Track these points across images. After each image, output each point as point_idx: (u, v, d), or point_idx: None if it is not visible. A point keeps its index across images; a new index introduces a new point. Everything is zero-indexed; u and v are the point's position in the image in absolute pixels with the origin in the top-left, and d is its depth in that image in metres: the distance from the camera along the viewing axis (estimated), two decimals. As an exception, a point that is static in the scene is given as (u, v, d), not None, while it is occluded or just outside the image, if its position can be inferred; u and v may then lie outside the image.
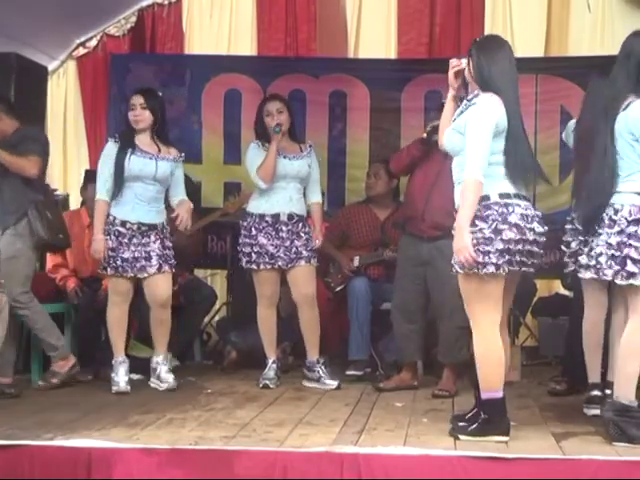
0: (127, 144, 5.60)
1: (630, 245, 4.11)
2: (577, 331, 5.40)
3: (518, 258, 4.18)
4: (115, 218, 5.56)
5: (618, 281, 4.16)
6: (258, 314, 5.86)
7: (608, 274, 4.18)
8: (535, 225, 4.22)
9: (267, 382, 5.72)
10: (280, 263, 5.72)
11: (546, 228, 4.29)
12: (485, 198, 4.18)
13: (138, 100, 5.63)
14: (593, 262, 4.25)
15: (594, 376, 4.89)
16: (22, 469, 3.91)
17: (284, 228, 5.73)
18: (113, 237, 5.55)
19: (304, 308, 5.80)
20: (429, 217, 5.57)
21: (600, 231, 4.21)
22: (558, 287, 6.68)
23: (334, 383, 5.71)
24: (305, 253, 5.74)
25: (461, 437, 4.27)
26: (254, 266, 5.77)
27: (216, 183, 7.55)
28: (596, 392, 4.83)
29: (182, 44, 7.80)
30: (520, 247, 4.18)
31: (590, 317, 4.87)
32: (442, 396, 5.43)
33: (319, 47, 7.67)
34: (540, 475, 3.84)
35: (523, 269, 4.26)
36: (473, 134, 4.14)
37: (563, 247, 4.59)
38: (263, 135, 5.85)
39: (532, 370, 6.41)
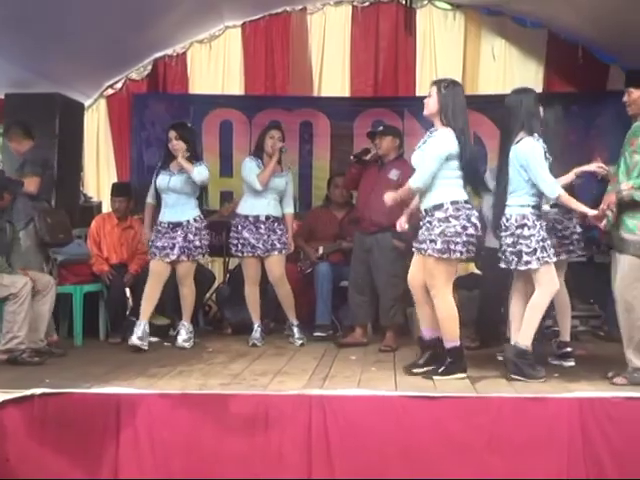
0: (162, 166, 5.67)
1: (521, 243, 4.28)
2: (486, 301, 5.47)
3: (471, 248, 4.41)
4: (159, 221, 5.65)
5: (520, 268, 4.31)
6: (245, 290, 5.84)
7: (512, 265, 4.34)
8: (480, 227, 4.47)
9: (255, 341, 5.71)
10: (259, 252, 5.71)
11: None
12: (455, 202, 4.35)
13: (173, 134, 5.61)
14: (502, 256, 4.40)
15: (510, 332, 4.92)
16: (68, 411, 3.90)
17: (262, 226, 5.72)
18: (154, 233, 5.62)
19: (278, 286, 5.80)
20: (369, 217, 5.62)
21: (501, 234, 4.38)
22: (472, 268, 6.71)
23: (300, 341, 5.73)
24: (278, 245, 5.73)
25: (435, 377, 4.34)
26: (239, 254, 5.79)
27: (214, 192, 7.45)
28: None
29: (187, 86, 7.72)
30: (473, 240, 4.40)
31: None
32: (386, 351, 5.45)
33: (291, 88, 7.62)
34: (459, 408, 3.88)
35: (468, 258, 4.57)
36: None
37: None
38: (260, 151, 5.80)
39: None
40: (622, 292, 4.19)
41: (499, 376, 4.44)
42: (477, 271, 6.26)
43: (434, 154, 4.37)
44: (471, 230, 4.35)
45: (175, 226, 5.58)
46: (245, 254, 5.75)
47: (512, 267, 4.34)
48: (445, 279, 4.39)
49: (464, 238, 4.33)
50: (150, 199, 5.76)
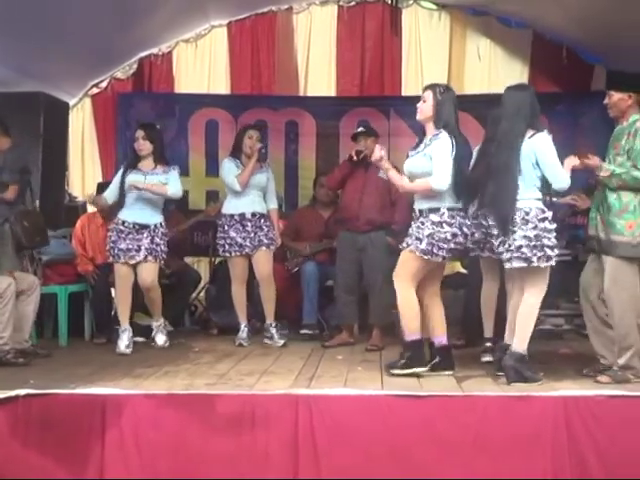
0: (130, 166, 5.59)
1: (544, 236, 4.15)
2: (472, 300, 5.47)
3: (454, 254, 4.45)
4: (119, 219, 5.53)
5: (541, 264, 4.14)
6: (232, 290, 5.82)
7: (534, 260, 4.15)
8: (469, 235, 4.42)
9: (241, 341, 5.70)
10: (247, 250, 5.69)
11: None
12: (452, 209, 4.34)
13: (140, 134, 5.58)
14: (517, 254, 4.17)
15: (488, 332, 4.94)
16: (53, 412, 3.88)
17: (249, 224, 5.69)
18: (115, 233, 5.51)
19: (263, 283, 5.73)
20: (363, 216, 5.64)
21: (515, 229, 4.18)
22: (458, 267, 6.73)
23: (281, 342, 5.66)
24: (265, 241, 5.69)
25: (393, 372, 4.35)
26: (227, 254, 5.75)
27: (199, 191, 7.48)
28: (489, 344, 4.90)
29: (172, 85, 7.69)
30: (460, 248, 4.41)
31: (487, 289, 4.92)
32: (372, 350, 5.46)
33: (277, 87, 7.61)
34: (445, 407, 3.89)
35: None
36: None
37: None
38: (239, 152, 5.79)
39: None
40: (610, 294, 4.22)
41: (485, 375, 4.45)
42: (463, 270, 6.27)
43: (448, 155, 4.34)
44: (460, 239, 4.36)
45: (141, 228, 5.49)
46: (233, 254, 5.72)
47: (534, 264, 4.13)
48: (413, 274, 4.40)
49: (451, 245, 4.35)
50: (106, 194, 5.60)
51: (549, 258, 4.17)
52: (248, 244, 5.68)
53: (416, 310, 4.43)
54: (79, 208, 6.95)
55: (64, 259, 6.02)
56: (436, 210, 4.35)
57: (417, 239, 4.37)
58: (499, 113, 4.36)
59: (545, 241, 4.15)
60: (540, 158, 4.21)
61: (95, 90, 7.56)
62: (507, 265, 4.27)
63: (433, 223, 4.34)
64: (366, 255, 5.66)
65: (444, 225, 4.32)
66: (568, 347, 5.45)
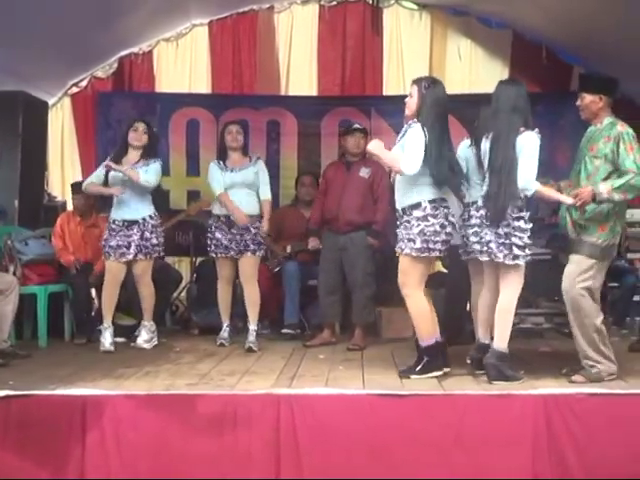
0: (114, 159, 5.55)
1: (515, 235, 4.16)
2: (452, 299, 5.50)
3: (447, 247, 4.36)
4: (111, 218, 5.56)
5: (507, 261, 4.17)
6: (218, 288, 5.78)
7: (500, 257, 4.18)
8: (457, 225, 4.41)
9: (223, 341, 5.69)
10: (232, 253, 5.63)
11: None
12: (433, 201, 4.29)
13: (141, 125, 5.58)
14: (485, 248, 4.24)
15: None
16: (33, 413, 3.86)
17: (235, 225, 5.60)
18: (107, 232, 5.54)
19: (245, 286, 5.66)
20: (342, 217, 5.67)
21: (487, 223, 4.22)
22: (439, 266, 6.76)
23: (255, 349, 5.47)
24: (252, 246, 5.59)
25: (411, 377, 4.31)
26: (213, 254, 5.73)
27: (181, 191, 7.46)
28: None
29: (153, 84, 7.66)
30: (450, 239, 4.35)
31: (476, 289, 4.91)
32: (354, 349, 5.46)
33: (258, 86, 7.61)
34: (426, 406, 3.90)
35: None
36: None
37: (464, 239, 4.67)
38: (224, 152, 5.75)
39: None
40: (568, 290, 4.21)
41: (466, 374, 4.47)
42: (444, 269, 6.29)
43: (419, 141, 4.26)
44: (449, 229, 4.34)
45: (130, 224, 5.49)
46: (219, 255, 5.69)
47: (499, 260, 4.18)
48: (419, 278, 4.37)
49: (443, 237, 4.31)
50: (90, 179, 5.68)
51: (516, 257, 4.17)
52: (233, 247, 5.62)
53: (428, 315, 4.39)
54: (58, 208, 6.90)
55: (44, 259, 5.98)
56: (417, 205, 4.31)
57: (410, 240, 4.30)
58: (492, 108, 4.31)
59: (515, 240, 4.16)
60: (521, 152, 4.16)
61: (75, 89, 7.52)
62: (481, 258, 4.31)
63: (418, 219, 4.29)
64: (347, 255, 5.68)
65: (429, 218, 4.28)
66: (548, 345, 5.48)
